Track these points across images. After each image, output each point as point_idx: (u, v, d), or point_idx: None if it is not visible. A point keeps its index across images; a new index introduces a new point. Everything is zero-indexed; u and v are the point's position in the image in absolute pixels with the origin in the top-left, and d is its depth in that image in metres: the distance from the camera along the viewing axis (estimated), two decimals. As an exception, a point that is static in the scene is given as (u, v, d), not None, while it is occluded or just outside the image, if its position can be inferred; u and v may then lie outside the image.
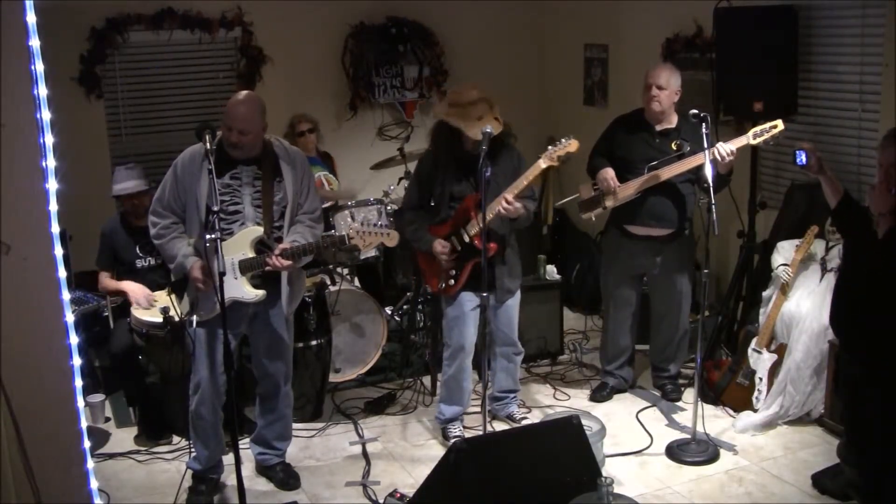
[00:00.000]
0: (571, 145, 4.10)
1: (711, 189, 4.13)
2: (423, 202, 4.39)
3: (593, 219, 4.80)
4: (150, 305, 4.52)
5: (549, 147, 4.14)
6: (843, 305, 3.47)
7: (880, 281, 3.19)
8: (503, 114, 4.26)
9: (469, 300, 4.34)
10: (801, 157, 3.59)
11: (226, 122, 3.75)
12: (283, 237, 3.83)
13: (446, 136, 4.26)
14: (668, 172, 4.49)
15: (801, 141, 3.98)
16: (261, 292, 3.80)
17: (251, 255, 3.76)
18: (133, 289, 4.61)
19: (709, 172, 4.14)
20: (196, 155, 3.74)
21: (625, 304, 4.90)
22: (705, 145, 4.16)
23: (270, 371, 4.05)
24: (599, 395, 5.00)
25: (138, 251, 4.72)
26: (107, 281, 4.76)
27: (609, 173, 4.59)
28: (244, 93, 3.93)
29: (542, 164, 4.12)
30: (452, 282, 4.31)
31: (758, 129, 4.31)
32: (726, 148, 4.28)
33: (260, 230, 3.78)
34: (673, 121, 4.62)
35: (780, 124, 4.26)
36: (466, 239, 4.25)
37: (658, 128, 4.62)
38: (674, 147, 4.54)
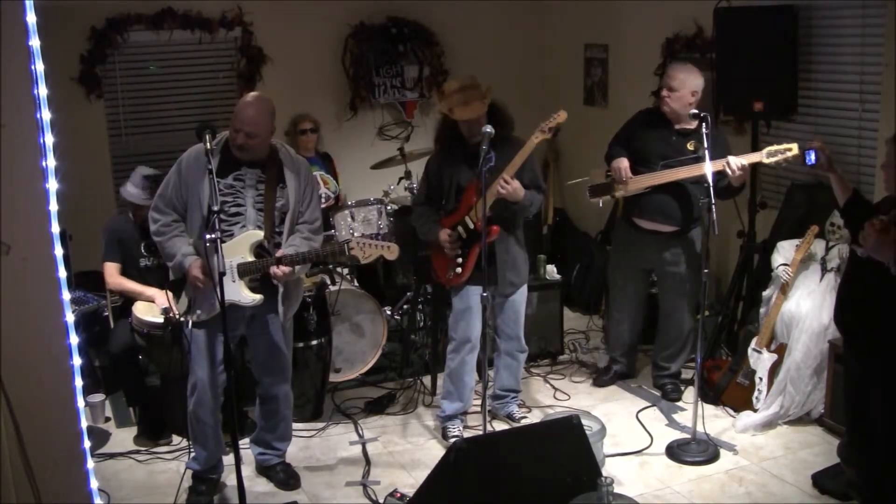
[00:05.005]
0: (560, 116, 4.13)
1: (711, 189, 4.12)
2: (432, 198, 4.41)
3: (600, 204, 4.81)
4: None
5: (541, 123, 4.16)
6: (847, 304, 3.47)
7: (886, 279, 3.18)
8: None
9: (476, 293, 4.31)
10: (811, 157, 3.58)
11: (234, 124, 3.71)
12: (282, 243, 3.81)
13: (450, 128, 4.30)
14: (681, 174, 4.49)
15: (802, 141, 3.98)
16: (258, 296, 3.77)
17: (250, 258, 3.74)
18: (159, 296, 4.42)
19: (709, 173, 4.14)
20: (201, 154, 3.66)
21: (630, 298, 4.91)
22: (705, 144, 4.16)
23: (270, 374, 4.04)
24: (601, 380, 5.05)
25: (143, 250, 4.68)
26: (121, 279, 4.61)
27: (623, 163, 4.62)
28: (253, 94, 3.88)
29: (535, 138, 4.14)
30: (459, 269, 4.32)
31: (772, 148, 4.31)
32: (737, 162, 4.28)
33: (260, 234, 3.76)
34: (693, 122, 4.55)
35: (795, 148, 4.23)
36: (471, 226, 4.25)
37: (677, 126, 4.63)
38: (690, 148, 4.54)
